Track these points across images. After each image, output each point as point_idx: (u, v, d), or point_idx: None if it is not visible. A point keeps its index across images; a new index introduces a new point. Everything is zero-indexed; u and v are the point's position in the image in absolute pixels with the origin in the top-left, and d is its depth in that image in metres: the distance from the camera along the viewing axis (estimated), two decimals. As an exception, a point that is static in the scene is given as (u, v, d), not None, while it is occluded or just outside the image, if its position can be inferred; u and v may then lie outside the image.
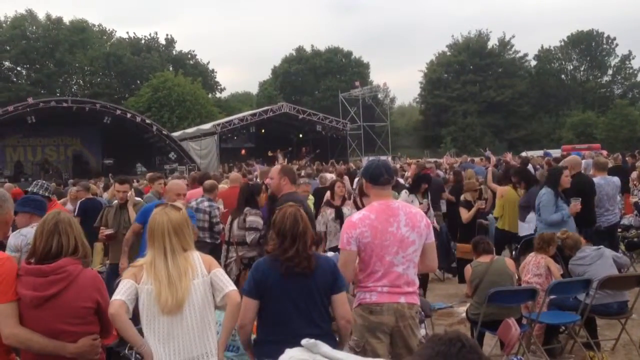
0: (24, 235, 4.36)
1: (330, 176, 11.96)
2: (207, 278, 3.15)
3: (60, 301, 2.94)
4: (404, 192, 8.27)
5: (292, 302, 3.25)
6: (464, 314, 6.42)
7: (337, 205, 7.90)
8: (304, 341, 1.68)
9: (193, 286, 3.08)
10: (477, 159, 19.04)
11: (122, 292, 3.00)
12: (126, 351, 4.40)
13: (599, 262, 5.77)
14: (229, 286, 3.16)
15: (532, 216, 7.53)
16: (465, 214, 8.85)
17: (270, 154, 30.42)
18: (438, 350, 1.50)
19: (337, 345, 3.39)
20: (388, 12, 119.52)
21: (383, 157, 35.42)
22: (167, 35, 65.65)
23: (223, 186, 10.59)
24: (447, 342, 1.51)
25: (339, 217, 7.75)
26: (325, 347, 1.63)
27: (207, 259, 3.26)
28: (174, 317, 3.03)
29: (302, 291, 3.29)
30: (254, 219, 6.37)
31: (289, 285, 3.26)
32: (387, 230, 3.72)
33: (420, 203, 8.03)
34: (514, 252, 7.65)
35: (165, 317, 3.02)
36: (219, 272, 3.21)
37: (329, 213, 7.87)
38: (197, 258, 3.19)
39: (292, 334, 3.19)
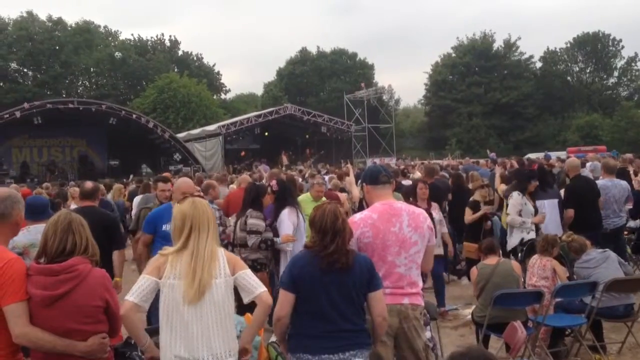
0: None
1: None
2: (229, 279, 3.11)
3: (71, 300, 2.96)
4: (516, 194, 7.04)
5: (328, 297, 3.27)
6: (469, 317, 6.40)
7: (425, 209, 7.05)
8: None
9: (215, 284, 3.05)
10: (482, 161, 19.01)
11: (136, 292, 3.00)
12: (132, 353, 4.39)
13: (604, 265, 5.76)
14: (260, 288, 3.13)
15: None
16: (469, 215, 8.52)
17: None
18: None
19: (370, 341, 3.42)
20: (390, 13, 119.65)
21: (387, 159, 35.42)
22: (170, 36, 65.50)
23: (232, 186, 10.62)
24: None
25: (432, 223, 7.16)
26: None
27: (232, 259, 3.22)
28: (194, 313, 3.00)
29: (340, 287, 3.30)
30: (254, 222, 6.33)
31: (327, 281, 3.27)
32: (389, 230, 3.73)
33: (534, 207, 7.12)
34: (519, 255, 7.61)
35: (184, 313, 3.00)
36: (248, 274, 3.16)
37: None
38: (222, 256, 3.16)
39: (326, 329, 3.27)
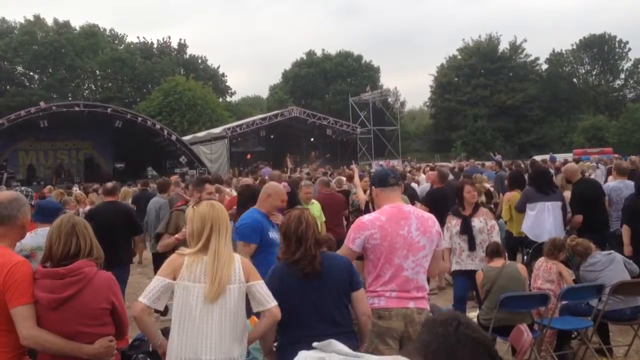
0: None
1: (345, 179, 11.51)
2: (243, 286, 3.13)
3: (77, 303, 2.98)
4: None
5: (310, 303, 3.27)
6: (474, 320, 6.38)
7: (465, 215, 6.33)
8: (315, 343, 1.69)
9: (229, 290, 3.08)
10: (487, 163, 18.98)
11: (148, 293, 3.03)
12: (138, 355, 4.41)
13: (610, 267, 5.74)
14: (272, 302, 3.14)
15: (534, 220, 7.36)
16: None
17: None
18: (436, 332, 1.48)
19: (358, 342, 3.42)
20: (395, 16, 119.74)
21: (393, 162, 35.39)
22: (180, 39, 65.72)
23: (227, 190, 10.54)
24: (444, 322, 1.49)
25: (467, 231, 6.21)
26: (339, 346, 1.63)
27: (247, 266, 3.23)
28: (205, 316, 3.03)
29: (319, 291, 3.31)
30: None
31: (305, 288, 3.28)
32: (397, 233, 3.72)
33: None
34: (525, 257, 7.59)
35: (196, 315, 3.02)
36: (262, 285, 3.18)
37: (454, 224, 6.33)
38: (238, 261, 3.18)
39: (312, 335, 3.22)
